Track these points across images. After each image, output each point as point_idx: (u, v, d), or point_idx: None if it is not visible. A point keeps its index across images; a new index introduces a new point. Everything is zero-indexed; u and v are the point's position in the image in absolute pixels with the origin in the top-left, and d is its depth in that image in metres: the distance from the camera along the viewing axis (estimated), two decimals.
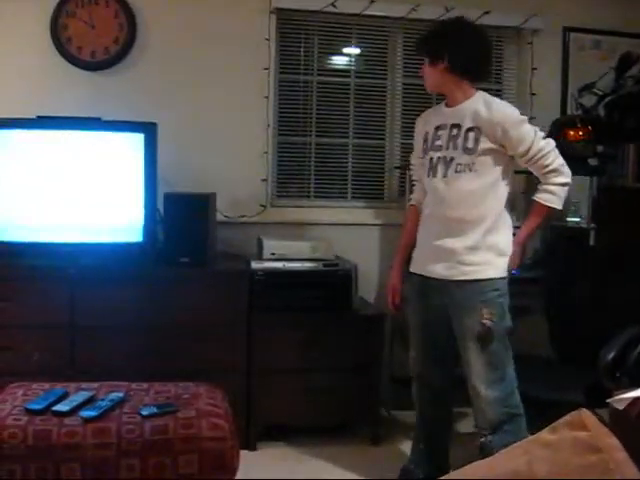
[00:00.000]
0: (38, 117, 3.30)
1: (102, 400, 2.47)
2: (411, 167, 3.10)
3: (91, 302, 3.23)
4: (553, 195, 2.67)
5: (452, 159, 2.71)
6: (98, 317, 3.23)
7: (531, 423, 2.75)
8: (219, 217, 3.69)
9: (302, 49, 4.13)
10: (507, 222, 2.77)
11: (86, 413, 2.36)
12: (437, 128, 2.80)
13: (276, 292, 3.41)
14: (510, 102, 4.29)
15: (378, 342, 3.58)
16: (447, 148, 2.74)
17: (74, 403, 2.42)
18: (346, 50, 4.24)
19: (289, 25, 4.07)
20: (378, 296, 3.97)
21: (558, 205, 2.69)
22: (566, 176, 2.68)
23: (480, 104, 2.70)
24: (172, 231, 3.41)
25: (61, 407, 2.39)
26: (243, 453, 2.42)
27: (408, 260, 2.97)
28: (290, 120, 4.13)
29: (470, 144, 2.67)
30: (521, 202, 4.34)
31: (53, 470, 2.21)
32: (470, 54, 2.74)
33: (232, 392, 2.86)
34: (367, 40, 4.20)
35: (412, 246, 2.96)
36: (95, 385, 2.64)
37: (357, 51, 4.24)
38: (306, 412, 3.45)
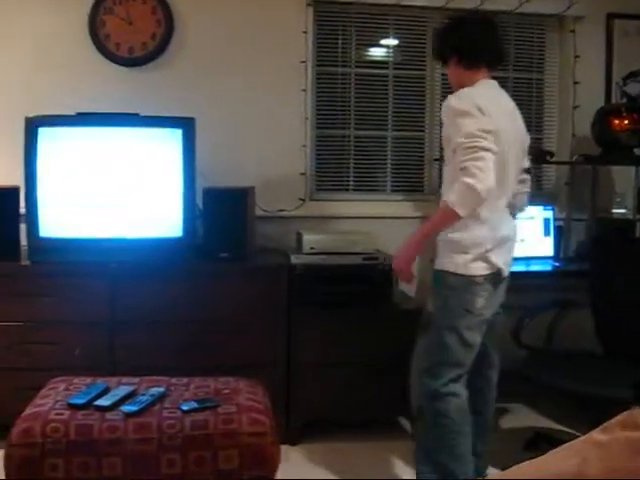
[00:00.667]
0: (78, 114, 3.32)
1: (143, 395, 2.48)
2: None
3: (131, 297, 3.25)
4: (455, 194, 2.42)
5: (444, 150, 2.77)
6: (138, 312, 3.25)
7: (577, 419, 2.70)
8: (258, 211, 3.67)
9: (340, 41, 4.10)
10: (481, 219, 2.57)
11: (127, 408, 2.37)
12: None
13: (316, 286, 3.39)
14: (552, 91, 4.34)
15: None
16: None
17: (115, 398, 2.43)
18: (384, 41, 4.19)
19: (326, 17, 4.04)
20: (419, 290, 3.93)
21: (457, 207, 2.41)
22: (471, 177, 2.38)
23: (486, 86, 2.71)
24: (211, 226, 3.41)
25: (103, 402, 2.40)
26: (284, 448, 2.41)
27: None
28: (328, 113, 4.10)
29: (444, 133, 2.69)
30: (564, 195, 4.27)
31: (95, 464, 2.22)
32: (471, 39, 2.69)
33: (272, 387, 2.85)
34: (405, 31, 4.15)
35: None
36: (136, 380, 2.65)
37: (395, 42, 4.18)
38: (347, 407, 3.42)
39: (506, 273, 2.74)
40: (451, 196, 2.43)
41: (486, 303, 2.65)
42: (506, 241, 2.72)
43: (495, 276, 2.66)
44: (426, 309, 2.70)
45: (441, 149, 4.10)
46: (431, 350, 2.65)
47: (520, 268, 3.59)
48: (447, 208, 2.44)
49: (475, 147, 2.41)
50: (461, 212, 2.41)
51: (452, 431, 2.60)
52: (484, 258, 2.60)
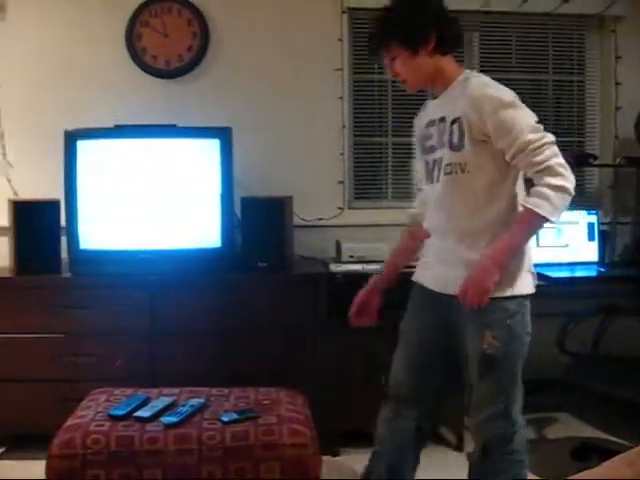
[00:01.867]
0: (116, 126, 3.35)
1: (183, 406, 2.47)
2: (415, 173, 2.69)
3: (171, 308, 3.25)
4: (545, 200, 2.05)
5: (441, 159, 2.25)
6: (178, 323, 3.25)
7: (626, 428, 2.62)
8: (296, 220, 3.65)
9: None
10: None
11: (167, 419, 2.36)
12: (427, 126, 2.35)
13: (355, 295, 3.34)
14: (594, 93, 4.26)
15: None
16: (438, 147, 2.27)
17: (155, 409, 2.43)
18: None
19: (362, 24, 4.02)
20: None
21: (550, 214, 2.06)
22: (565, 179, 2.07)
23: (459, 85, 2.21)
24: (250, 236, 3.40)
25: (143, 413, 2.40)
26: (325, 459, 2.37)
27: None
28: (366, 120, 4.08)
29: (455, 139, 2.18)
30: (608, 199, 4.18)
31: (135, 476, 2.22)
32: (449, 21, 2.24)
33: (313, 397, 2.82)
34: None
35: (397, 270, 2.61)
36: (176, 391, 2.64)
37: None
38: None
39: None
40: (539, 202, 2.06)
41: None
42: None
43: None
44: (478, 349, 2.22)
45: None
46: (502, 391, 2.23)
47: (564, 274, 3.52)
48: (537, 217, 2.07)
49: (546, 143, 2.09)
50: (556, 219, 2.09)
51: (524, 464, 2.30)
52: (531, 271, 2.28)
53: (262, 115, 3.84)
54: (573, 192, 2.08)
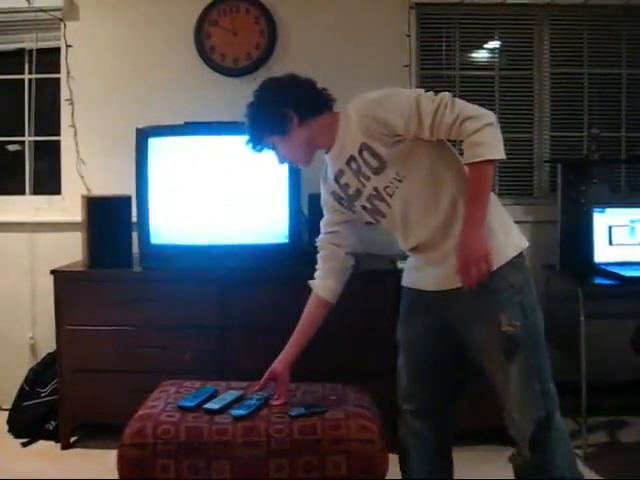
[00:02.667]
0: (186, 123, 3.40)
1: (251, 399, 2.48)
2: (320, 237, 2.53)
3: (240, 303, 3.29)
4: (478, 146, 2.03)
5: (376, 189, 2.20)
6: (247, 317, 3.28)
7: None
8: None
9: (443, 43, 4.04)
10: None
11: (236, 412, 2.37)
12: (338, 178, 2.29)
13: None
14: None
15: None
16: (364, 186, 2.22)
17: (224, 401, 2.44)
18: (489, 42, 4.10)
19: (429, 20, 3.99)
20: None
21: (492, 153, 2.04)
22: (483, 117, 2.04)
23: (345, 122, 2.21)
24: (317, 231, 3.38)
25: (212, 405, 2.42)
26: (392, 457, 2.35)
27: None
28: None
29: (374, 163, 2.16)
30: None
31: (204, 467, 2.23)
32: (298, 89, 2.29)
33: (380, 394, 2.80)
34: (511, 30, 4.04)
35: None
36: (244, 384, 2.65)
37: (500, 43, 4.08)
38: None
39: None
40: (477, 152, 2.03)
41: None
42: None
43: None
44: (497, 334, 2.13)
45: (552, 150, 3.99)
46: (534, 370, 2.15)
47: (638, 273, 3.41)
48: (481, 167, 2.05)
49: (443, 104, 2.05)
50: (502, 154, 2.06)
51: (568, 436, 2.24)
52: (516, 225, 2.26)
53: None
54: (495, 121, 2.05)
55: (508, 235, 2.20)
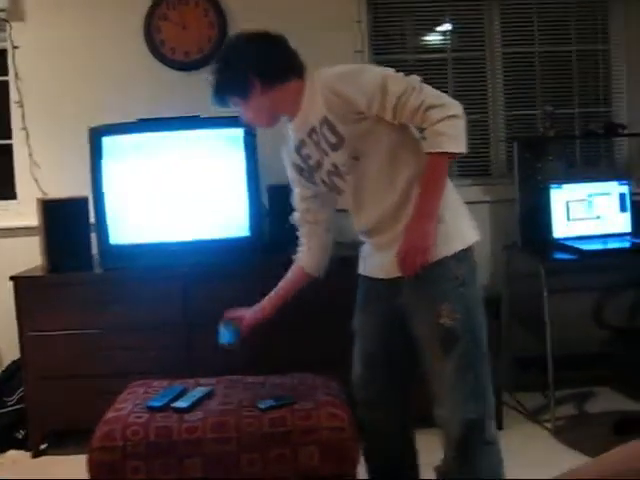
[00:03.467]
0: (139, 120, 3.36)
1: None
2: (295, 215, 2.46)
3: (204, 299, 3.26)
4: (441, 136, 1.97)
5: (334, 165, 2.14)
6: (211, 313, 3.23)
7: None
8: None
9: (395, 28, 4.04)
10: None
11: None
12: (300, 148, 2.21)
13: None
14: (619, 61, 4.17)
15: (496, 324, 3.43)
16: (323, 159, 2.16)
17: (193, 399, 2.43)
18: (441, 24, 4.11)
19: (380, 4, 3.98)
20: (492, 277, 3.84)
21: (454, 146, 1.98)
22: (446, 107, 1.98)
23: (309, 90, 2.13)
24: (278, 223, 3.39)
25: (181, 403, 2.40)
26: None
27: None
28: None
29: (332, 139, 2.09)
30: (639, 167, 4.11)
31: (176, 466, 2.23)
32: (267, 54, 2.19)
33: (348, 383, 2.81)
34: (462, 12, 4.06)
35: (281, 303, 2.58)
36: (212, 380, 2.65)
37: (451, 25, 4.09)
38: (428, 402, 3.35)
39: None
40: (438, 141, 1.98)
41: None
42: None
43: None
44: (435, 325, 2.07)
45: (507, 130, 4.02)
46: (470, 367, 2.07)
47: (597, 246, 3.47)
48: (441, 158, 2.00)
49: (410, 87, 1.99)
50: (463, 149, 2.01)
51: (501, 457, 2.14)
52: (470, 218, 2.20)
53: None
54: (461, 113, 2.00)
55: (458, 227, 2.14)
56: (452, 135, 1.99)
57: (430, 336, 2.09)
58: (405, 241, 2.05)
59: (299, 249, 2.49)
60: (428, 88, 2.02)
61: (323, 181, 2.23)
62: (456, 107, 2.01)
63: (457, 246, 2.10)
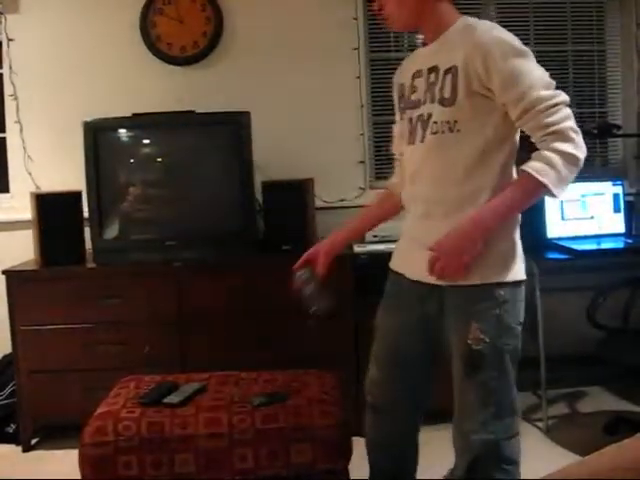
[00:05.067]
0: (134, 115, 3.34)
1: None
2: (393, 142, 2.26)
3: (197, 294, 3.27)
4: (550, 167, 1.77)
5: (429, 116, 1.94)
6: (204, 308, 3.26)
7: None
8: (318, 202, 3.64)
9: None
10: None
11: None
12: (414, 77, 2.01)
13: (380, 274, 3.32)
14: (615, 62, 4.18)
15: None
16: (425, 102, 1.96)
17: (185, 394, 2.43)
18: None
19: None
20: None
21: (554, 184, 1.77)
22: (577, 147, 1.77)
23: (459, 31, 1.92)
24: (272, 219, 3.40)
25: (173, 399, 2.40)
26: (356, 440, 2.36)
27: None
28: (384, 99, 4.03)
29: (447, 92, 1.88)
30: (633, 169, 4.11)
31: (167, 461, 2.22)
32: None
33: (342, 378, 2.81)
34: (458, 10, 4.04)
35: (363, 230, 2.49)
36: (205, 376, 2.64)
37: None
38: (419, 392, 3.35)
39: None
40: (544, 169, 1.77)
41: None
42: None
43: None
44: (461, 342, 1.94)
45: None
46: (492, 395, 1.93)
47: (591, 246, 3.47)
48: (538, 186, 1.78)
49: (559, 103, 1.81)
50: (560, 194, 1.79)
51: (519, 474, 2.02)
52: (522, 254, 1.99)
53: (280, 98, 3.82)
54: (582, 164, 1.80)
55: (511, 261, 1.94)
56: (561, 173, 1.77)
57: (456, 354, 1.96)
58: (446, 238, 1.87)
59: (395, 171, 2.29)
60: (569, 112, 1.82)
61: (410, 120, 2.02)
62: (583, 152, 1.80)
63: (506, 277, 1.91)
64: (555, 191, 1.78)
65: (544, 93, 1.81)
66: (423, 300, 2.02)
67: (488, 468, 1.95)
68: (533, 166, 1.79)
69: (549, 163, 1.77)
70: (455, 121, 1.88)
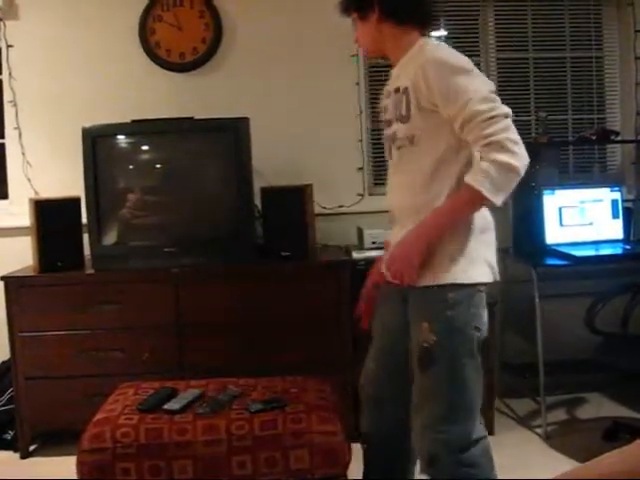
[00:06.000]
0: (133, 121, 3.35)
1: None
2: None
3: (196, 300, 3.26)
4: (486, 177, 1.86)
5: (395, 133, 2.11)
6: (204, 315, 3.26)
7: None
8: (317, 209, 3.64)
9: None
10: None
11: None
12: (386, 98, 2.21)
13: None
14: (613, 69, 4.19)
15: (489, 328, 3.43)
16: (393, 121, 2.13)
17: (184, 401, 2.43)
18: (436, 30, 4.10)
19: None
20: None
21: (491, 193, 1.87)
22: (514, 157, 1.86)
23: (414, 53, 2.07)
24: (271, 225, 3.39)
25: (171, 405, 2.40)
26: (355, 447, 2.36)
27: None
28: None
29: (404, 110, 2.05)
30: (631, 175, 4.12)
31: (166, 468, 2.22)
32: None
33: (340, 385, 2.81)
34: (456, 17, 4.06)
35: None
36: (203, 382, 2.64)
37: (446, 31, 4.09)
38: None
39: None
40: (479, 179, 1.88)
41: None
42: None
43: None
44: (416, 340, 2.05)
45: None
46: (443, 391, 2.02)
47: (590, 252, 3.47)
48: (475, 195, 1.89)
49: (497, 115, 1.90)
50: (498, 201, 1.89)
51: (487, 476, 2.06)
52: (485, 259, 2.06)
53: (279, 104, 3.82)
54: (522, 172, 1.88)
55: (463, 264, 2.01)
56: (497, 184, 1.87)
57: (413, 349, 2.07)
58: (395, 249, 2.05)
59: None
60: (508, 123, 1.91)
61: (386, 138, 2.20)
62: (521, 161, 1.88)
63: (457, 278, 2.00)
64: (493, 199, 1.88)
65: (481, 107, 1.90)
66: (405, 300, 2.12)
67: (445, 468, 2.01)
68: (471, 176, 1.91)
69: (485, 173, 1.87)
70: (413, 135, 2.04)
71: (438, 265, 2.01)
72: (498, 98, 1.95)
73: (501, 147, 1.87)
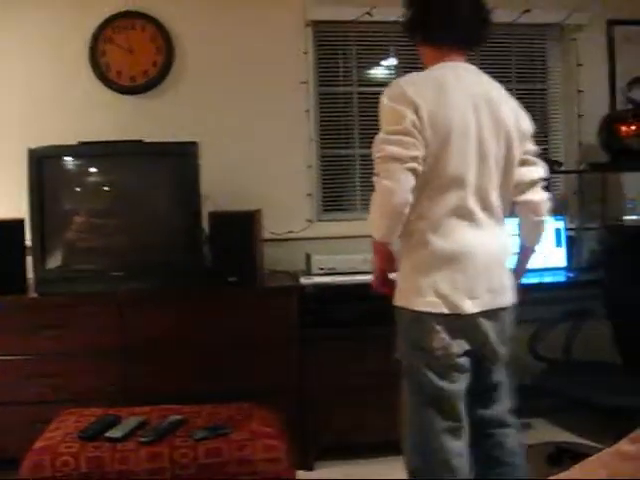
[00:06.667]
0: (81, 143, 3.31)
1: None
2: None
3: (141, 325, 3.22)
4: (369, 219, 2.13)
5: None
6: (148, 340, 3.22)
7: (599, 431, 2.62)
8: (265, 234, 3.64)
9: (340, 60, 4.08)
10: (417, 234, 2.11)
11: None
12: None
13: (327, 307, 3.34)
14: (557, 101, 4.30)
15: None
16: None
17: (127, 429, 2.40)
18: (386, 59, 4.17)
19: (326, 37, 4.03)
20: None
21: (373, 231, 2.11)
22: (378, 192, 2.04)
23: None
24: (219, 250, 3.37)
25: (114, 433, 2.36)
26: (300, 474, 2.35)
27: None
28: (333, 132, 4.08)
29: None
30: (574, 204, 4.22)
31: None
32: (424, 11, 2.22)
33: (286, 411, 2.80)
34: (407, 47, 4.13)
35: None
36: (147, 409, 2.61)
37: (396, 60, 4.16)
38: (366, 430, 3.35)
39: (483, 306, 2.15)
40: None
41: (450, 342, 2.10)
42: (471, 258, 2.11)
43: (455, 318, 2.08)
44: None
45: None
46: (407, 403, 2.17)
47: (533, 280, 3.54)
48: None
49: (378, 157, 2.05)
50: (378, 235, 2.10)
51: None
52: (437, 290, 2.07)
53: (229, 129, 3.83)
54: (388, 203, 2.01)
55: (408, 291, 2.12)
56: (373, 222, 2.12)
57: None
58: None
59: None
60: (384, 166, 2.02)
61: None
62: (384, 194, 2.03)
63: (405, 303, 2.14)
64: (376, 236, 2.11)
65: (374, 148, 2.09)
66: None
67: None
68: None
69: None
70: None
71: (397, 290, 2.17)
72: (393, 137, 2.04)
73: (375, 187, 2.05)
